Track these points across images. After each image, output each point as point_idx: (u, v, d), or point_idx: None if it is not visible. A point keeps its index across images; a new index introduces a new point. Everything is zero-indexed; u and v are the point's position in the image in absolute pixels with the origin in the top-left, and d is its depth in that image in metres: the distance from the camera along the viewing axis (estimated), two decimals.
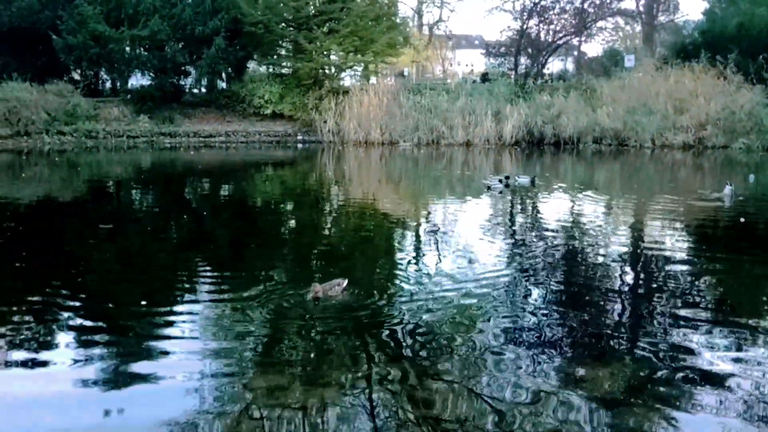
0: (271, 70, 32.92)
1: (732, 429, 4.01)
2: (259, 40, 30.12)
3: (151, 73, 30.10)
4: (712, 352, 5.14)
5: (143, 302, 6.41)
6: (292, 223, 12.02)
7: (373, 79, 33.87)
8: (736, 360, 4.98)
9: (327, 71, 31.55)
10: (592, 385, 4.61)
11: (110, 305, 6.51)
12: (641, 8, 42.27)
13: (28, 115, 25.18)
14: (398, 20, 34.48)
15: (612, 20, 45.72)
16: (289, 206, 14.07)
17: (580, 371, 4.83)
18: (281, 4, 30.14)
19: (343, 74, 33.48)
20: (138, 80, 32.06)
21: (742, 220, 10.96)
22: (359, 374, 4.77)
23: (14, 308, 6.31)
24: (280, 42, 31.67)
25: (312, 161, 24.05)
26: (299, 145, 28.56)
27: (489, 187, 14.54)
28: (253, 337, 5.56)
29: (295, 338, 5.53)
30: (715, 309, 6.32)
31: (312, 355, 5.12)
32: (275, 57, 32.59)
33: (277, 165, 22.58)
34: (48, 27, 27.76)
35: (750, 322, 5.83)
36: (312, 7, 30.58)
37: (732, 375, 4.72)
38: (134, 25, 27.75)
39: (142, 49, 29.10)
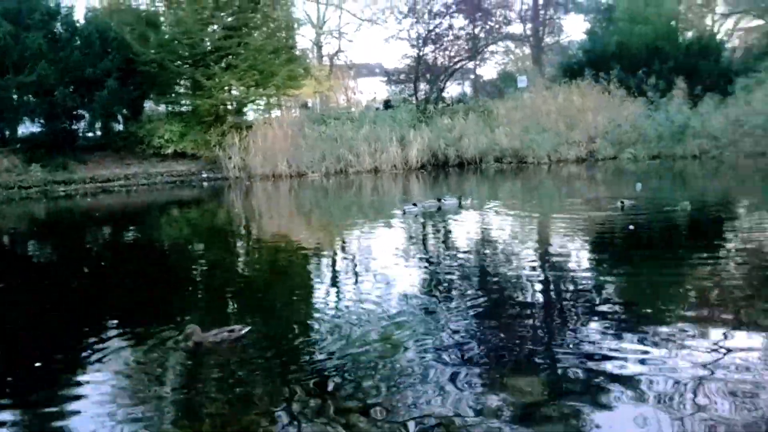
0: (169, 108, 32.17)
1: (646, 425, 4.23)
2: (155, 79, 29.38)
3: (41, 120, 28.73)
4: (621, 355, 5.41)
5: (48, 361, 6.05)
6: (203, 263, 11.71)
7: (276, 112, 33.75)
8: (644, 361, 5.27)
9: (229, 107, 31.18)
10: (514, 395, 4.75)
11: (11, 368, 6.10)
12: (528, 32, 44.51)
13: None
14: (297, 52, 34.63)
15: (503, 44, 47.83)
16: (199, 246, 13.71)
17: (501, 383, 4.98)
18: (175, 42, 29.56)
19: (245, 109, 33.18)
20: (27, 128, 30.49)
21: (632, 227, 11.61)
22: (282, 412, 4.69)
23: None
24: (177, 80, 31.04)
25: (219, 199, 23.58)
26: (204, 184, 27.96)
27: (404, 212, 14.76)
28: (170, 383, 5.36)
29: (212, 382, 5.38)
30: (620, 314, 6.67)
31: (231, 397, 5.00)
32: (173, 95, 31.85)
33: (182, 205, 22.00)
34: None
35: (652, 325, 6.19)
36: (208, 44, 30.22)
37: (641, 375, 4.98)
38: (20, 72, 26.43)
39: (29, 95, 27.72)
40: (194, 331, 6.13)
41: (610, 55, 30.62)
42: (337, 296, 8.10)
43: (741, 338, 5.71)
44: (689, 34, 35.17)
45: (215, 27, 30.53)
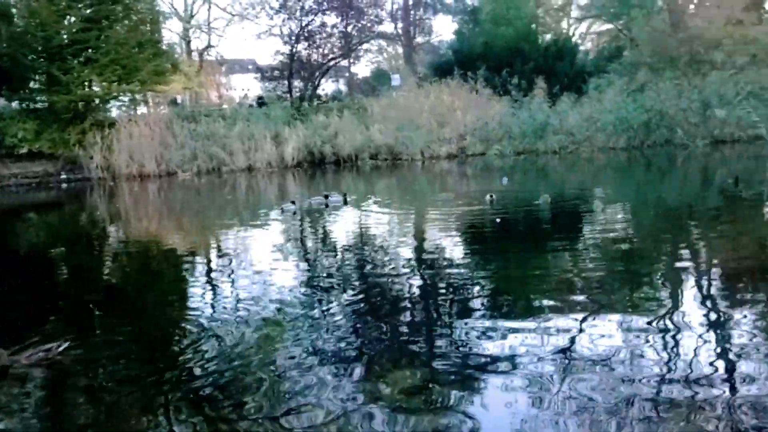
0: (23, 105, 29.74)
1: (516, 407, 4.48)
2: (6, 74, 27.02)
3: None
4: (491, 342, 5.69)
5: None
6: (64, 269, 10.98)
7: (143, 109, 32.18)
8: (513, 347, 5.57)
9: (90, 103, 29.34)
10: (392, 387, 4.87)
11: None
12: (399, 31, 45.46)
13: None
14: (164, 47, 33.21)
15: (376, 42, 48.54)
16: (62, 252, 12.83)
17: (379, 376, 5.08)
18: (28, 35, 27.39)
19: (108, 105, 31.36)
20: None
21: (498, 220, 12.23)
22: (156, 420, 4.53)
23: None
24: (32, 75, 28.78)
25: (80, 201, 22.13)
26: (64, 185, 26.17)
27: (283, 210, 14.59)
28: (31, 402, 5.00)
29: (79, 397, 5.08)
30: (490, 304, 7.01)
31: (102, 407, 4.74)
32: (26, 91, 29.50)
33: (40, 209, 20.47)
34: None
35: (519, 312, 6.56)
36: (65, 36, 28.24)
37: (510, 361, 5.27)
38: None
39: None
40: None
41: (477, 56, 31.96)
42: (213, 298, 7.90)
43: (597, 320, 6.18)
44: (548, 37, 37.47)
45: (72, 19, 28.60)
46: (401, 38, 45.78)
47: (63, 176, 27.12)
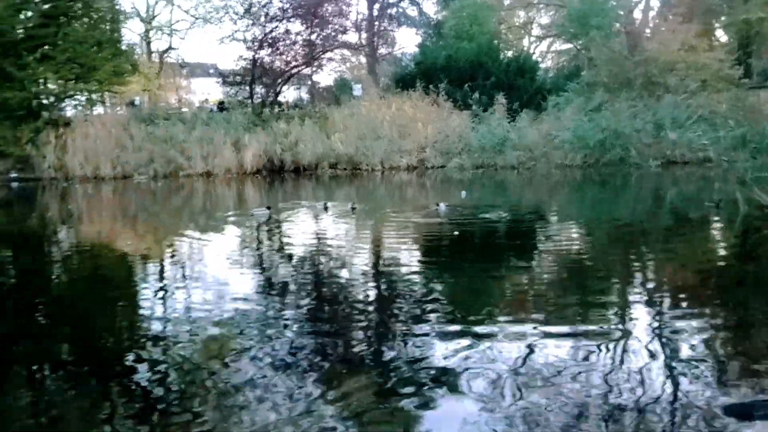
0: None
1: (468, 420, 4.52)
2: None
3: None
4: (444, 354, 5.73)
5: None
6: (11, 272, 10.65)
7: (99, 109, 31.54)
8: (466, 359, 5.62)
9: (44, 101, 28.62)
10: (345, 397, 4.86)
11: None
12: (363, 41, 45.63)
13: None
14: (124, 47, 32.68)
15: (339, 52, 48.57)
16: (6, 254, 12.44)
17: (333, 387, 5.07)
18: None
19: (63, 104, 30.65)
20: None
21: (456, 233, 12.36)
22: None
23: None
24: None
25: (31, 202, 21.51)
26: (14, 184, 25.41)
27: (253, 214, 14.55)
28: None
29: (24, 402, 4.93)
30: (445, 315, 7.06)
31: (43, 420, 4.60)
32: None
33: None
34: None
35: (474, 324, 6.62)
36: (21, 31, 27.53)
37: (464, 372, 5.32)
38: None
39: None
40: None
41: (440, 69, 32.27)
42: (164, 304, 7.76)
43: (551, 332, 6.28)
44: (509, 53, 38.11)
45: (29, 14, 27.90)
46: (365, 48, 45.94)
47: (13, 175, 26.34)
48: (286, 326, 6.68)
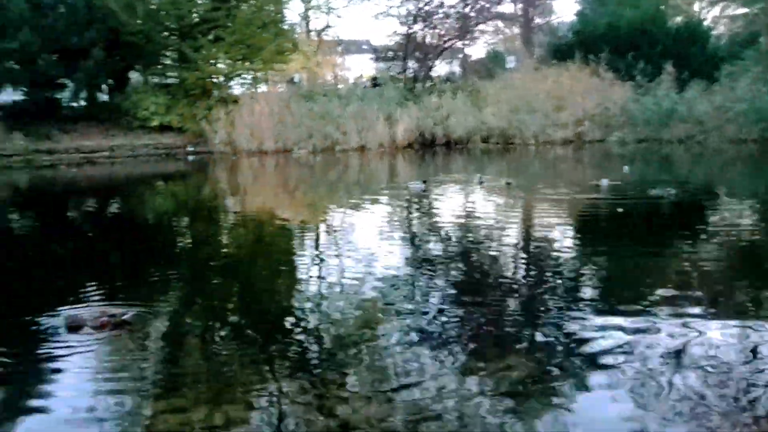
0: (156, 80, 31.72)
1: (624, 410, 4.29)
2: (141, 51, 28.92)
3: (22, 88, 28.23)
4: (603, 339, 5.47)
5: (29, 330, 6.03)
6: (188, 237, 11.67)
7: (263, 87, 33.40)
8: (621, 344, 5.32)
9: (215, 80, 30.82)
10: (494, 379, 4.79)
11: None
12: (518, 11, 44.32)
13: None
14: (286, 27, 34.22)
15: (492, 23, 47.57)
16: (184, 221, 13.65)
17: (483, 363, 5.02)
18: (162, 13, 29.10)
19: (232, 83, 32.82)
20: (9, 95, 29.94)
21: (620, 209, 11.73)
22: (264, 390, 4.69)
23: None
24: (164, 51, 30.60)
25: (204, 173, 23.42)
26: (190, 157, 27.74)
27: (408, 188, 14.84)
28: (150, 357, 5.36)
29: (194, 357, 5.39)
30: (603, 297, 6.74)
31: (213, 374, 5.00)
32: (159, 67, 31.41)
33: (167, 178, 21.82)
34: None
35: (634, 308, 6.25)
36: (196, 15, 29.77)
37: (619, 355, 5.05)
38: (2, 38, 25.92)
39: (11, 62, 27.18)
40: (72, 316, 5.89)
41: (600, 38, 30.55)
42: (320, 273, 8.11)
43: (715, 321, 5.79)
44: (677, 20, 35.19)
45: None
46: (519, 19, 44.59)
47: (189, 149, 28.73)
48: (435, 299, 6.72)
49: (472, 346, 5.41)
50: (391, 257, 8.71)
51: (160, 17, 29.06)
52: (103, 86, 31.09)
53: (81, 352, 5.39)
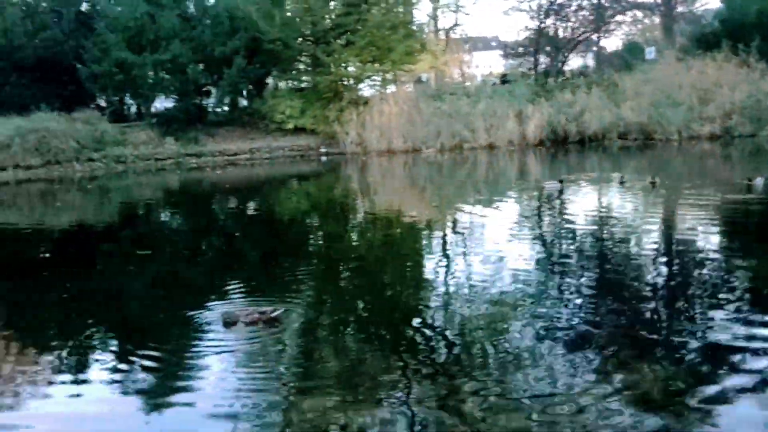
0: (290, 85, 33.15)
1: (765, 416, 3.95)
2: (278, 57, 30.37)
3: (174, 96, 30.56)
4: (748, 347, 5.05)
5: (183, 325, 6.52)
6: (321, 236, 12.10)
7: (392, 87, 33.90)
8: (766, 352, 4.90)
9: (345, 83, 31.69)
10: (631, 385, 4.57)
11: (153, 330, 6.63)
12: (659, 0, 41.80)
13: (58, 144, 25.64)
14: (415, 27, 34.48)
15: (630, 13, 45.24)
16: (317, 219, 14.16)
17: (619, 372, 4.80)
18: (298, 20, 30.39)
19: (361, 84, 33.60)
20: (162, 103, 32.54)
21: None
22: (395, 391, 4.75)
23: (55, 335, 6.47)
24: (299, 57, 31.91)
25: (336, 173, 24.19)
26: (322, 158, 28.73)
27: (544, 187, 14.54)
28: (288, 352, 5.60)
29: (328, 353, 5.56)
30: (752, 303, 6.21)
31: (347, 373, 5.13)
32: (294, 72, 32.80)
33: (302, 179, 22.76)
34: (72, 57, 28.38)
35: None
36: (329, 21, 30.78)
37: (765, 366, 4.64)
38: (156, 50, 28.23)
39: (164, 72, 29.55)
40: (227, 312, 6.30)
41: (750, 26, 28.08)
42: (448, 273, 8.11)
43: None
44: None
45: (336, 4, 31.01)
46: (660, 8, 42.04)
47: (322, 150, 29.74)
48: (567, 300, 6.51)
49: (608, 350, 5.19)
50: (523, 258, 8.53)
51: (296, 24, 30.35)
52: (244, 92, 32.94)
53: (228, 350, 5.75)
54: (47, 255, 11.06)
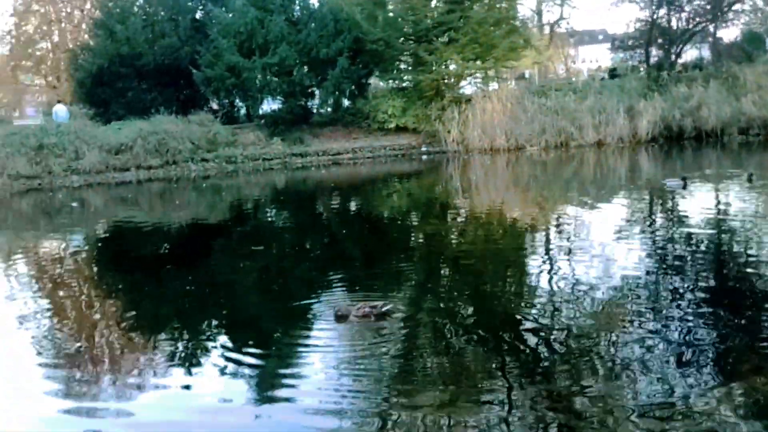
0: (392, 84, 33.43)
1: None
2: (380, 57, 30.71)
3: (280, 98, 31.61)
4: None
5: (292, 318, 6.75)
6: (421, 234, 12.13)
7: (494, 85, 33.43)
8: None
9: (447, 81, 31.57)
10: (749, 399, 4.27)
11: (263, 323, 6.91)
12: None
13: (175, 145, 27.21)
14: (518, 23, 33.84)
15: (749, 2, 42.19)
16: (418, 218, 14.21)
17: (737, 385, 4.49)
18: (400, 20, 30.61)
19: (463, 82, 33.34)
20: (269, 105, 33.74)
21: None
22: (495, 395, 4.68)
23: (172, 327, 6.87)
24: (400, 56, 32.12)
25: (438, 172, 24.17)
26: (424, 157, 28.79)
27: (665, 185, 14.06)
28: (391, 351, 5.66)
29: (429, 352, 5.57)
30: None
31: (447, 374, 5.11)
32: (396, 71, 33.03)
33: (403, 177, 22.91)
34: (188, 62, 30.03)
35: None
36: (430, 20, 30.78)
37: None
38: (264, 54, 29.33)
39: (272, 75, 30.62)
40: (340, 306, 6.45)
41: None
42: (552, 274, 7.91)
43: None
44: None
45: (437, 2, 30.98)
46: None
47: (423, 149, 29.81)
48: (678, 307, 6.18)
49: (721, 359, 4.88)
50: (631, 260, 8.17)
51: (398, 24, 30.59)
52: (347, 92, 33.58)
53: (336, 345, 5.90)
54: (166, 250, 11.77)
